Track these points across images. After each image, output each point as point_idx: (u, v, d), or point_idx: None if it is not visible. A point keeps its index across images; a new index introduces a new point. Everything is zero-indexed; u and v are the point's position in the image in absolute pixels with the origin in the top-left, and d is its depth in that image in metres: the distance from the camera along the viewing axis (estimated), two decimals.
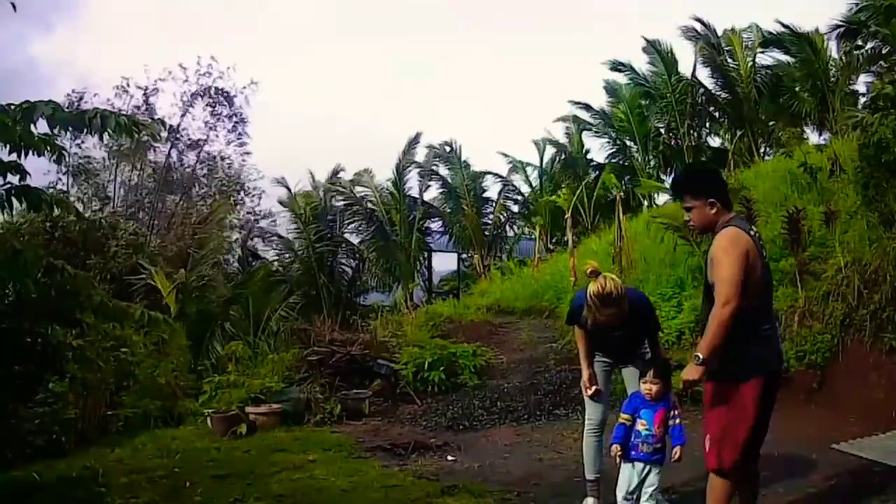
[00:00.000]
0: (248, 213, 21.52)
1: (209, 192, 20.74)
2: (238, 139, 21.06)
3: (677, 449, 3.84)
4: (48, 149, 4.16)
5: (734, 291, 3.17)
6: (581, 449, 4.33)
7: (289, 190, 19.08)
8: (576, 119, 20.89)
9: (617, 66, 18.96)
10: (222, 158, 21.19)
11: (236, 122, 20.86)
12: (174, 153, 20.45)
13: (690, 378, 3.21)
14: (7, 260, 4.41)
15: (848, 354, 6.34)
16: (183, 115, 20.09)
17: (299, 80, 49.51)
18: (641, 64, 18.87)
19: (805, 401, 6.22)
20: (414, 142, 19.95)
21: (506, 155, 21.89)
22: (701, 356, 3.16)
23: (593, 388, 4.21)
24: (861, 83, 14.82)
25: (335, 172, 20.28)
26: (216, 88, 20.13)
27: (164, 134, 19.50)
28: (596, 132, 20.53)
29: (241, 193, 21.45)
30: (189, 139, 20.74)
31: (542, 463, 5.61)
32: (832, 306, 6.68)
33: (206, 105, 20.23)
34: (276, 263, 18.85)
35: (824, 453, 4.97)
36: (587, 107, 20.54)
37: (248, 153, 21.20)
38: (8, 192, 4.26)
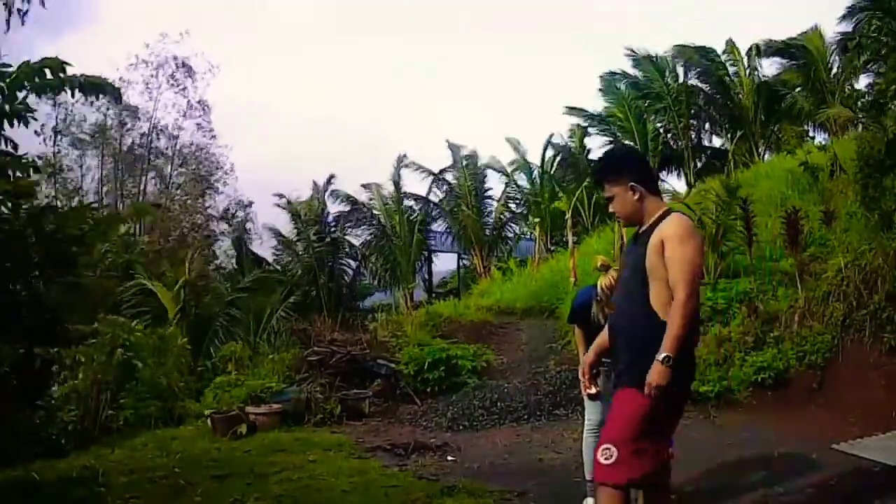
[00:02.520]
0: (233, 202, 21.96)
1: (185, 179, 21.18)
2: (207, 124, 21.43)
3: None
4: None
5: (697, 284, 2.83)
6: (581, 449, 4.33)
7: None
8: (577, 122, 20.94)
9: (615, 74, 19.20)
10: (195, 146, 21.58)
11: (201, 108, 21.20)
12: (143, 137, 20.84)
13: (660, 382, 2.74)
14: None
15: (848, 354, 6.34)
16: (150, 97, 20.28)
17: (299, 80, 49.60)
18: (639, 68, 19.02)
19: (805, 401, 6.21)
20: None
21: (515, 146, 21.58)
22: (670, 356, 2.73)
23: (593, 388, 4.20)
24: (862, 84, 14.82)
25: (330, 179, 20.43)
26: (175, 58, 20.51)
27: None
28: (599, 131, 20.52)
29: (219, 174, 21.85)
30: (160, 124, 21.06)
31: (542, 463, 5.61)
32: (832, 306, 6.68)
33: (169, 78, 20.46)
34: (275, 263, 18.94)
35: (824, 453, 4.96)
36: (585, 112, 20.60)
37: (213, 136, 21.67)
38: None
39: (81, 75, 4.24)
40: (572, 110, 20.54)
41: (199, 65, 21.82)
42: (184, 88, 21.37)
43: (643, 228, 2.99)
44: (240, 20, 47.66)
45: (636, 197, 2.98)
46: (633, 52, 18.77)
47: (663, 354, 2.73)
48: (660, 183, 17.50)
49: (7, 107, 4.04)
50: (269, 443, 6.65)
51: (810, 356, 6.47)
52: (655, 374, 2.74)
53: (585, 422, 4.33)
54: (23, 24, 4.77)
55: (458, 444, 6.41)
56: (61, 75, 4.11)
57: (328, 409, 7.73)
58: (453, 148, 20.98)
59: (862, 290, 6.49)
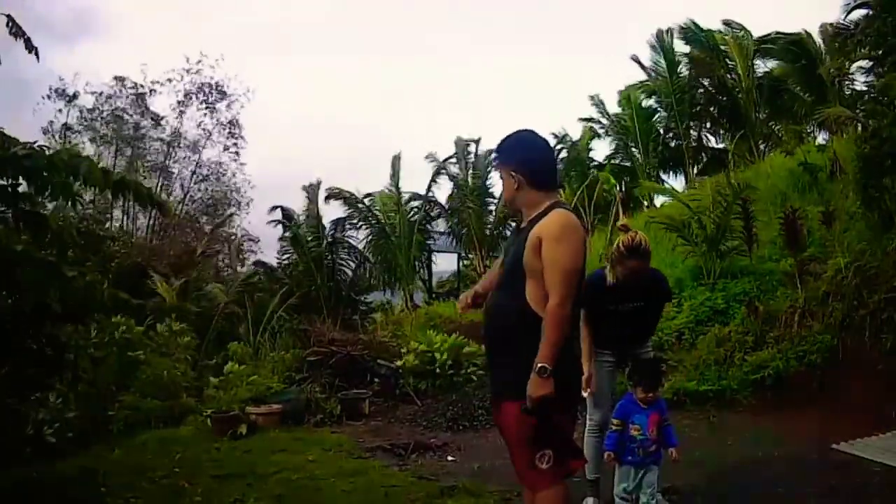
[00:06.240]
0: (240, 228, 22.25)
1: (204, 199, 21.32)
2: (233, 146, 21.56)
3: (673, 451, 3.83)
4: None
5: (570, 289, 2.71)
6: (581, 449, 4.32)
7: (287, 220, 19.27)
8: (586, 119, 20.90)
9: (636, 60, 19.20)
10: (219, 164, 21.67)
11: (232, 129, 21.32)
12: (166, 144, 20.91)
13: (542, 393, 2.64)
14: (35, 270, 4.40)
15: (848, 355, 6.33)
16: (180, 114, 20.40)
17: (300, 80, 49.54)
18: (647, 63, 19.02)
19: (805, 401, 6.21)
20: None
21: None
22: (547, 366, 2.63)
23: (588, 390, 4.17)
24: (860, 83, 14.78)
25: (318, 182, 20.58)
26: (210, 84, 20.58)
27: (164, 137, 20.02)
28: (606, 133, 20.48)
29: (234, 206, 22.12)
30: (186, 140, 21.10)
31: None
32: (832, 307, 6.68)
33: (201, 103, 20.54)
34: (277, 264, 19.03)
35: (824, 453, 4.97)
36: (600, 106, 20.51)
37: (242, 164, 21.79)
38: (17, 220, 4.25)
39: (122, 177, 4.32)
40: (592, 98, 20.43)
41: (234, 87, 21.93)
42: (214, 110, 21.46)
43: (528, 220, 2.89)
44: (241, 20, 47.54)
45: (515, 186, 2.92)
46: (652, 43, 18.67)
47: (540, 365, 2.64)
48: (660, 184, 17.52)
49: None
50: (269, 443, 6.65)
51: (810, 356, 6.47)
52: (534, 387, 2.66)
53: (587, 421, 4.32)
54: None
55: (458, 444, 6.41)
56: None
57: (328, 409, 7.74)
58: (459, 144, 20.84)
59: (862, 290, 6.49)
